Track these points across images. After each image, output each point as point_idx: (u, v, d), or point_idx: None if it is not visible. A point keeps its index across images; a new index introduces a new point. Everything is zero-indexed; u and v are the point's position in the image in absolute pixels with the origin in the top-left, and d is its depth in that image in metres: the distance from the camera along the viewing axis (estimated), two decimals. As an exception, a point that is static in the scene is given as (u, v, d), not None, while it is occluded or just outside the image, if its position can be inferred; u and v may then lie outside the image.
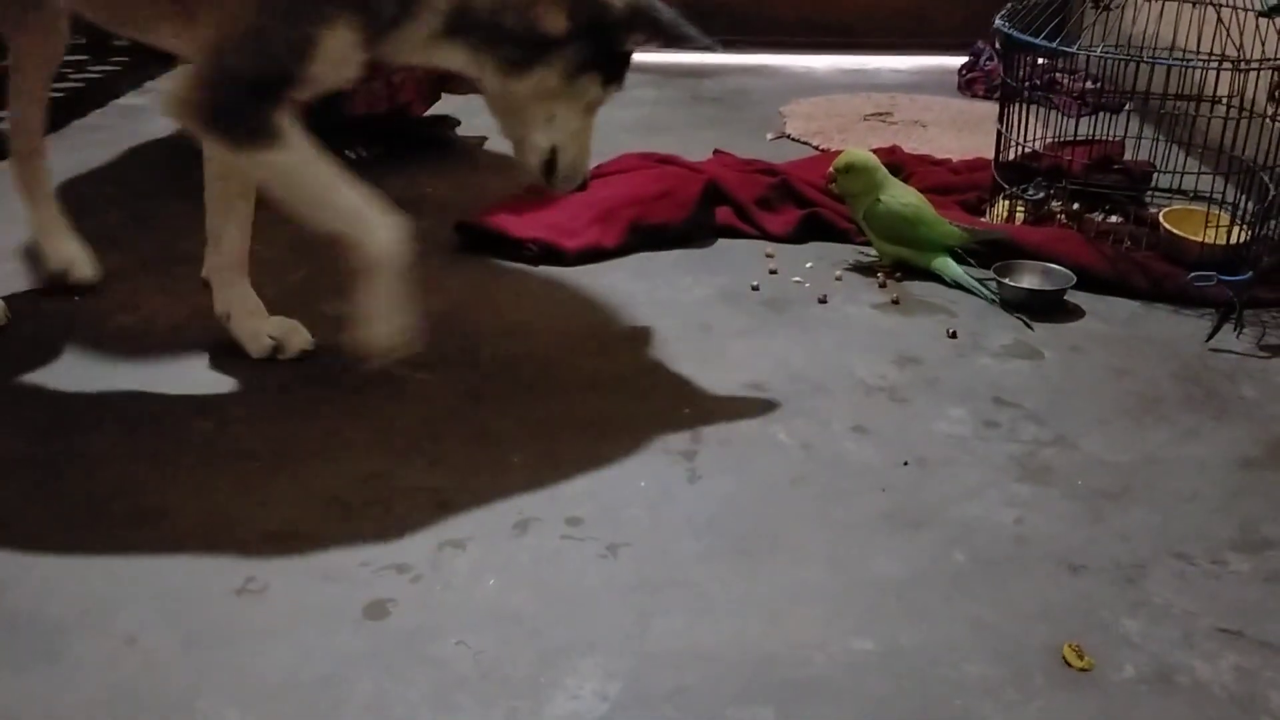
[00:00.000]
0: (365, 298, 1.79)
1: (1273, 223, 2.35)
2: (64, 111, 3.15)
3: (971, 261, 2.26)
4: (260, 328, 1.96)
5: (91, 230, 2.31)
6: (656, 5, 1.87)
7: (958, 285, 2.23)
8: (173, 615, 1.36)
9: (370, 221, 1.78)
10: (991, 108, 3.20)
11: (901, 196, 2.29)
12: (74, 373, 1.86)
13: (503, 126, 1.94)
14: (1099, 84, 3.12)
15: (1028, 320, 2.11)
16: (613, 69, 1.89)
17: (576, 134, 1.93)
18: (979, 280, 2.22)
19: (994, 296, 2.18)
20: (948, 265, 2.25)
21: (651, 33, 1.86)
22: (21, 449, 1.67)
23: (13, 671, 1.27)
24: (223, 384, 1.86)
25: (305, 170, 1.77)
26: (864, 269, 2.32)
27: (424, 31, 1.76)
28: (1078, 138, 2.69)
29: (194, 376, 1.88)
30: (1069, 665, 1.32)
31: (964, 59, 3.74)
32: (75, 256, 2.17)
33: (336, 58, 1.72)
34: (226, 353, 1.94)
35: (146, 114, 3.19)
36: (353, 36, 1.70)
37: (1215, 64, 2.34)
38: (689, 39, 1.92)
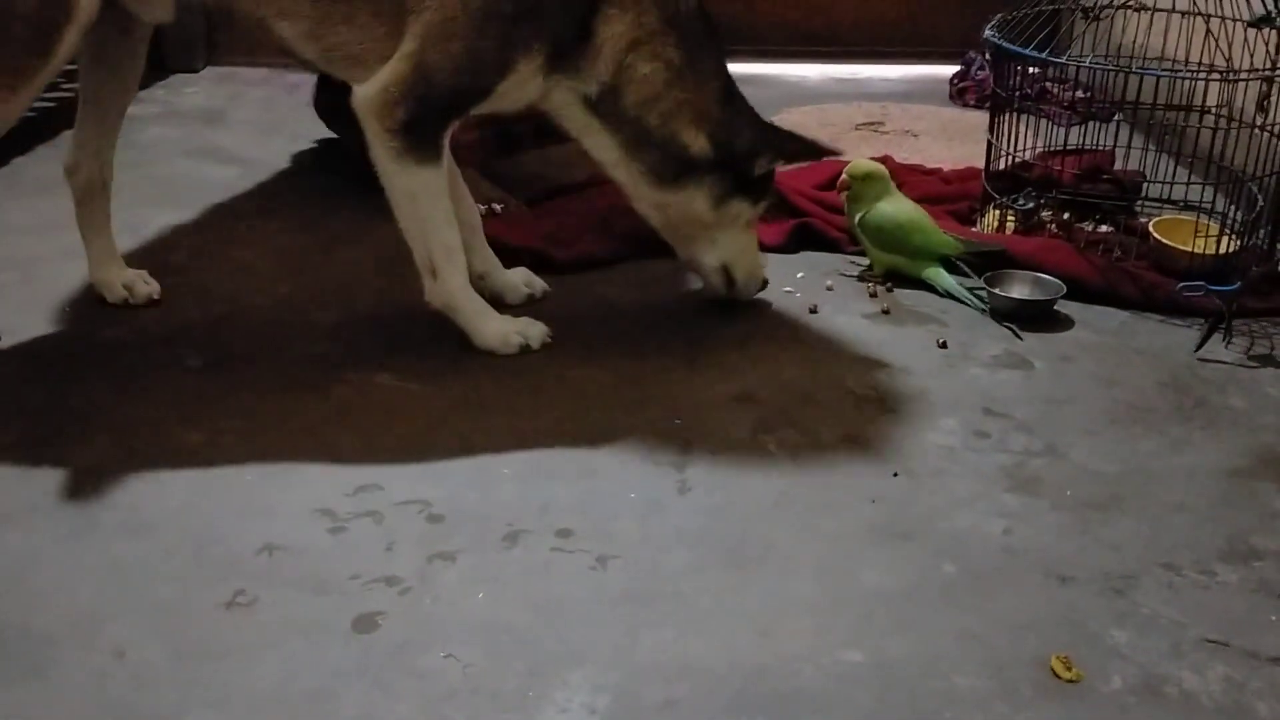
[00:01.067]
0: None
1: (1261, 232, 2.36)
2: (57, 121, 3.15)
3: (970, 274, 2.25)
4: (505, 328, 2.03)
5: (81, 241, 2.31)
6: (778, 130, 2.11)
7: (949, 295, 2.23)
8: (162, 628, 1.36)
9: (457, 265, 1.97)
10: (983, 117, 3.20)
11: (900, 205, 2.30)
12: (65, 384, 1.86)
13: (676, 248, 2.12)
14: (1089, 94, 3.13)
15: (1017, 330, 2.11)
16: (757, 188, 2.05)
17: (744, 249, 2.09)
18: (970, 290, 2.22)
19: (984, 306, 2.18)
20: (940, 275, 2.25)
21: (777, 154, 2.06)
22: (11, 460, 1.67)
23: (1, 686, 1.27)
24: (213, 396, 1.85)
25: (438, 196, 1.93)
26: (855, 278, 2.32)
27: (578, 91, 1.93)
28: (1068, 147, 2.70)
29: (185, 388, 1.87)
30: (1057, 677, 1.33)
31: (956, 68, 3.74)
32: (132, 282, 2.14)
33: (523, 82, 1.89)
34: (216, 365, 1.94)
35: (139, 122, 3.19)
36: (538, 64, 1.88)
37: (1204, 74, 2.34)
38: (813, 151, 2.16)
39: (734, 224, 2.05)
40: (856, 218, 2.31)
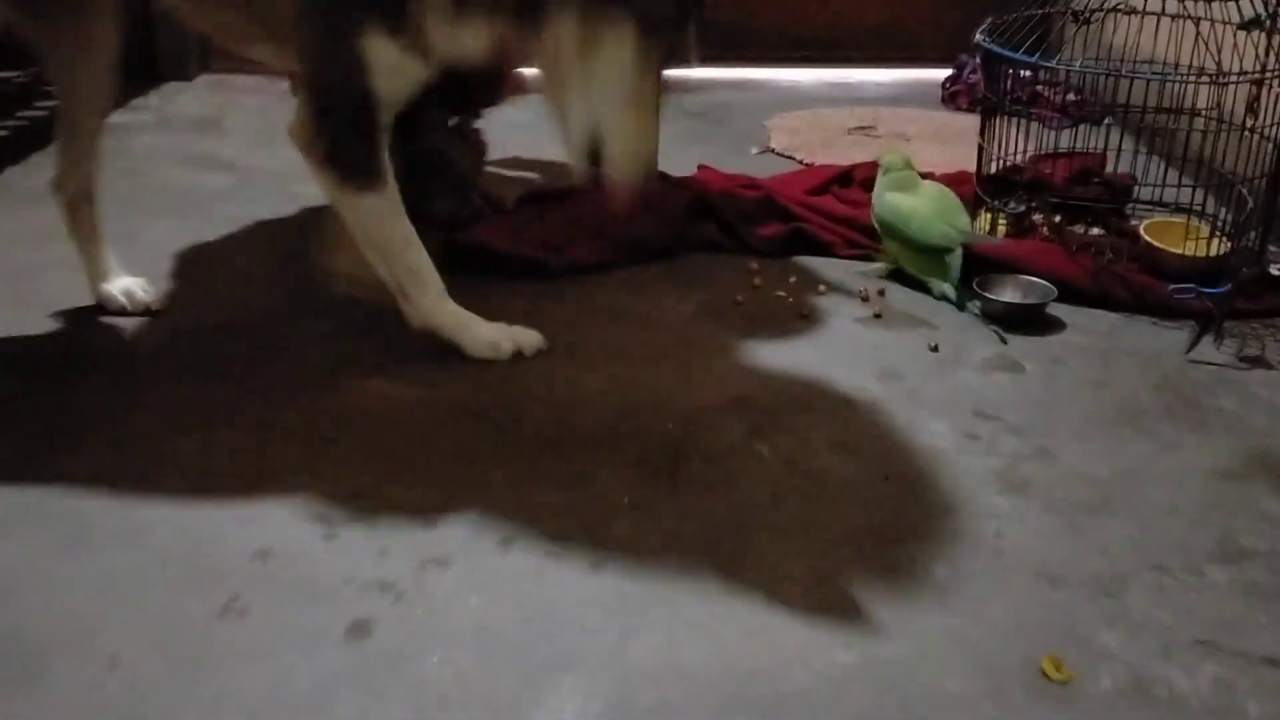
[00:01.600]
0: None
1: (1251, 234, 2.37)
2: (49, 130, 3.15)
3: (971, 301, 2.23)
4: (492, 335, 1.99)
5: (73, 250, 2.31)
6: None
7: (944, 298, 2.24)
8: (156, 636, 1.37)
9: (427, 283, 1.94)
10: (974, 120, 3.21)
11: (905, 195, 2.30)
12: (58, 393, 1.87)
13: (546, 101, 1.80)
14: (1080, 97, 3.14)
15: (1002, 334, 2.11)
16: (655, 22, 1.68)
17: (627, 108, 1.72)
18: (966, 299, 2.21)
19: (976, 313, 2.18)
20: (936, 277, 2.25)
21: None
22: (4, 469, 1.67)
23: (-5, 694, 1.28)
24: (206, 404, 1.86)
25: (393, 218, 1.88)
26: (846, 284, 2.33)
27: (441, 10, 1.72)
28: (1059, 150, 2.71)
29: (177, 396, 1.88)
30: (1047, 678, 1.33)
31: (947, 72, 3.76)
32: (130, 290, 2.13)
33: (391, 66, 1.74)
34: (210, 373, 1.95)
35: (132, 131, 3.20)
36: (391, 39, 1.72)
37: (1195, 77, 2.35)
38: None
39: (615, 61, 1.71)
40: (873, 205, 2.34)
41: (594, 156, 1.78)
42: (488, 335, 1.99)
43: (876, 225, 2.33)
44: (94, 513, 1.58)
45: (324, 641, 1.36)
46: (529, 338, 2.02)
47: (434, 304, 1.97)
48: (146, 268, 2.32)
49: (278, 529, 1.56)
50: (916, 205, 2.28)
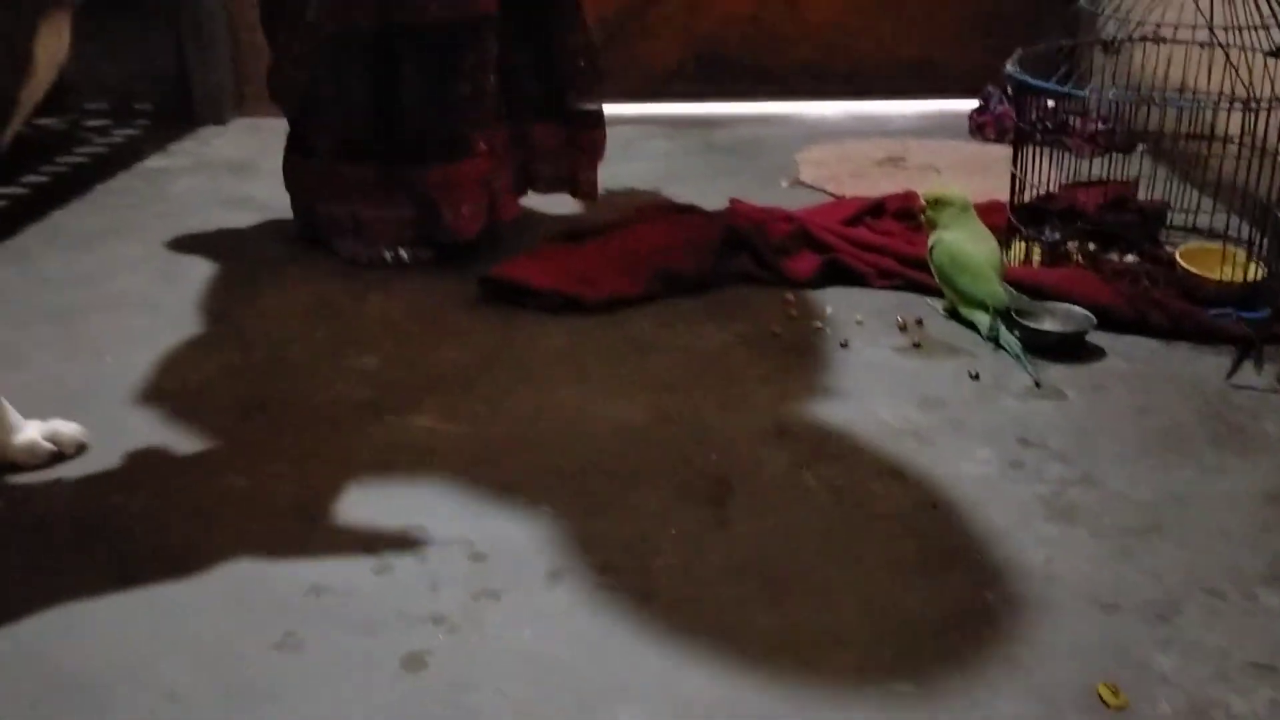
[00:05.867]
0: None
1: (1288, 259, 2.37)
2: (89, 175, 3.21)
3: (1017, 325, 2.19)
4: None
5: (121, 292, 2.35)
6: None
7: (993, 339, 2.19)
8: (213, 670, 1.38)
9: None
10: (1002, 151, 3.23)
11: (961, 239, 2.28)
12: (107, 432, 1.88)
13: None
14: (1110, 125, 3.15)
15: (1037, 378, 2.06)
16: None
17: None
18: (1020, 353, 2.13)
19: (1038, 380, 2.07)
20: (989, 325, 2.20)
21: None
22: (59, 509, 1.70)
23: (58, 729, 1.29)
24: (252, 441, 1.88)
25: None
26: (883, 314, 2.34)
27: None
28: (1091, 178, 2.72)
29: (226, 434, 1.90)
30: (1104, 703, 1.33)
31: (974, 103, 3.77)
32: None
33: (54, 57, 1.55)
34: (256, 408, 1.97)
35: (170, 175, 3.25)
36: (63, 20, 1.54)
37: (1226, 104, 2.36)
38: None
39: None
40: (929, 245, 2.33)
41: None
42: (25, 436, 1.79)
43: (932, 265, 2.33)
44: (149, 551, 1.60)
45: (379, 674, 1.37)
46: (69, 432, 1.82)
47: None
48: (189, 306, 2.36)
49: (329, 564, 1.57)
50: (972, 256, 2.26)
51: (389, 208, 2.55)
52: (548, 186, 2.78)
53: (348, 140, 2.55)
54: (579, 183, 2.78)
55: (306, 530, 1.65)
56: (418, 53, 2.48)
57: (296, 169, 2.66)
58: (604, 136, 2.79)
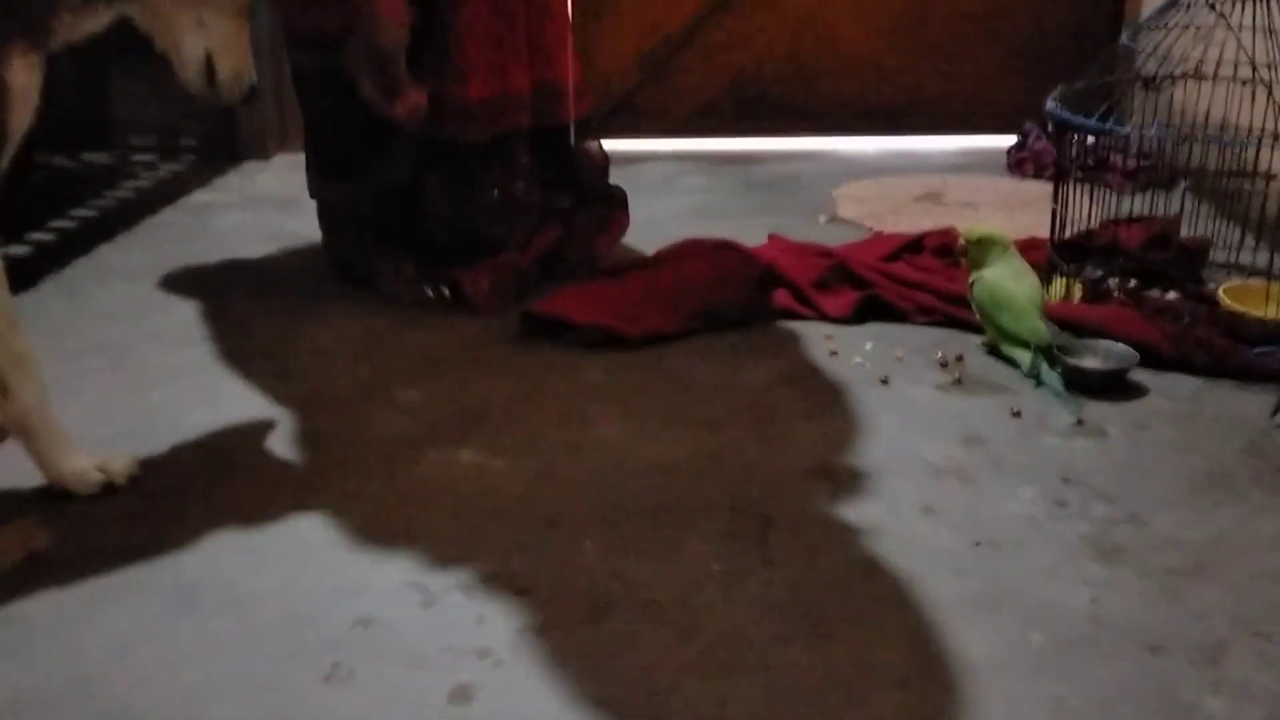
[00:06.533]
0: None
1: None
2: (136, 210, 3.26)
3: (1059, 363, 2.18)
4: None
5: (168, 326, 2.39)
6: None
7: (1033, 376, 2.18)
8: (263, 703, 1.39)
9: (30, 374, 1.77)
10: (1041, 187, 3.24)
11: (1003, 277, 2.27)
12: (156, 465, 1.91)
13: (159, 42, 1.91)
14: (1151, 162, 3.15)
15: (1077, 414, 2.06)
16: None
17: (234, 38, 1.91)
18: (1062, 390, 2.12)
19: (1076, 415, 2.06)
20: (1030, 362, 2.18)
21: None
22: (112, 538, 1.72)
23: (111, 760, 1.31)
24: (301, 475, 1.90)
25: None
26: (924, 351, 2.34)
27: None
28: (1132, 215, 2.72)
29: (272, 468, 1.92)
30: (1154, 747, 1.32)
31: (1012, 140, 3.78)
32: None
33: (28, 89, 1.67)
34: (299, 445, 1.99)
35: (215, 210, 3.30)
36: (35, 58, 1.66)
37: (1269, 141, 2.36)
38: None
39: (225, 4, 1.89)
40: (970, 284, 2.33)
41: (209, 78, 1.94)
42: (77, 463, 1.82)
43: (972, 303, 2.34)
44: (199, 583, 1.62)
45: (427, 707, 1.38)
46: (120, 464, 1.85)
47: (36, 403, 1.79)
48: (235, 342, 2.39)
49: (376, 597, 1.59)
50: (1013, 293, 2.25)
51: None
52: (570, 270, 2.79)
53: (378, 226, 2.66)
54: (595, 258, 2.81)
55: (353, 564, 1.66)
56: (446, 165, 2.58)
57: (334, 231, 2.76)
58: (628, 219, 2.89)
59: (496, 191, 2.60)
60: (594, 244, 2.80)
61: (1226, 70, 2.49)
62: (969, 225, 2.39)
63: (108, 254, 2.95)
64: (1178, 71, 2.52)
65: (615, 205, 2.90)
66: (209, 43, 1.90)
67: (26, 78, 1.68)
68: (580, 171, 2.82)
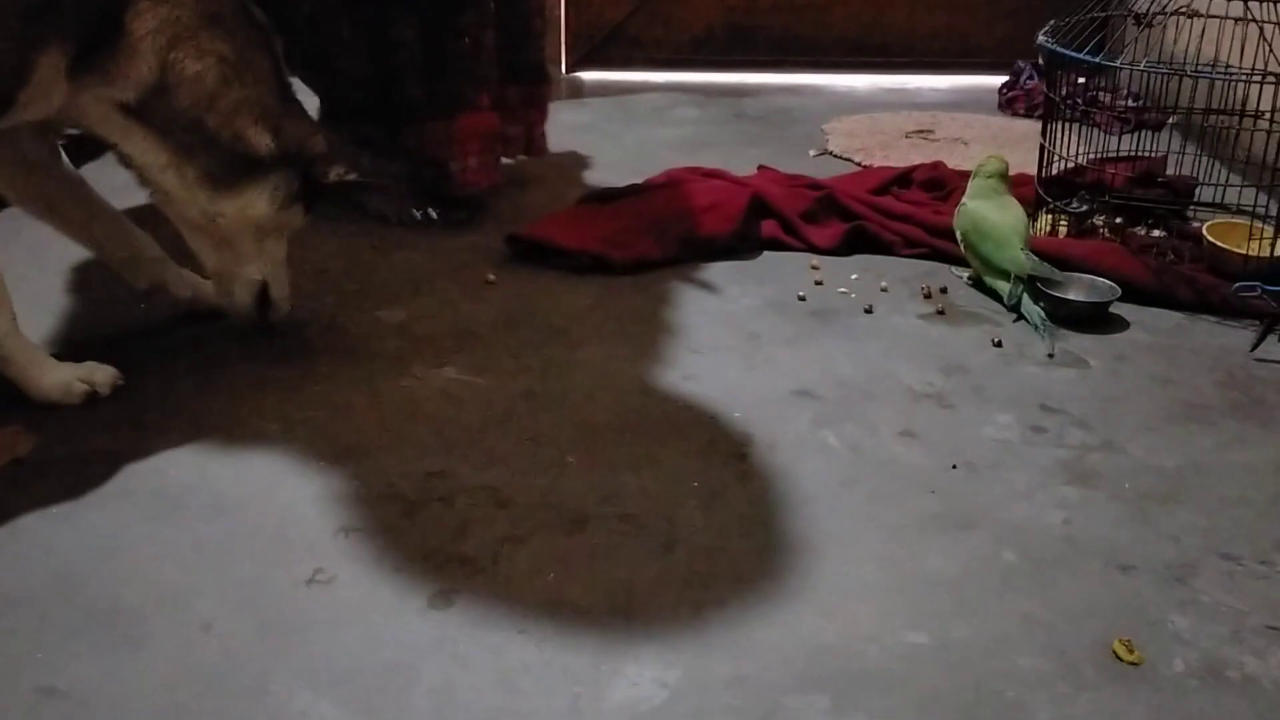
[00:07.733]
0: None
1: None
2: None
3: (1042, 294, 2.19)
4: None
5: (158, 242, 2.37)
6: (347, 144, 1.98)
7: (1015, 309, 2.20)
8: (246, 604, 1.41)
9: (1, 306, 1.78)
10: (1031, 125, 3.24)
11: (987, 207, 2.29)
12: (146, 376, 1.92)
13: (207, 259, 1.96)
14: (1140, 101, 3.14)
15: (1052, 347, 2.07)
16: (311, 199, 1.94)
17: (281, 263, 1.99)
18: (1041, 322, 2.13)
19: (1052, 351, 2.07)
20: (1010, 292, 2.20)
21: (352, 168, 1.94)
22: (96, 445, 1.73)
23: (96, 655, 1.32)
24: (288, 389, 1.91)
25: None
26: (908, 281, 2.35)
27: (113, 99, 1.73)
28: (1120, 154, 2.72)
29: (260, 381, 1.93)
30: (1119, 659, 1.35)
31: (1004, 78, 3.77)
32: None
33: (46, 88, 1.67)
34: (291, 359, 2.00)
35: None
36: (62, 67, 1.67)
37: (1258, 79, 2.36)
38: (377, 171, 2.03)
39: (284, 231, 1.95)
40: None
41: (261, 302, 2.00)
42: (59, 378, 1.83)
43: (957, 232, 2.34)
44: (183, 489, 1.63)
45: (408, 610, 1.40)
46: (102, 375, 1.87)
47: (6, 333, 1.79)
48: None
49: (359, 506, 1.60)
50: (995, 223, 2.26)
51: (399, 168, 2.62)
52: (511, 148, 2.83)
53: (345, 100, 2.62)
54: (533, 139, 2.86)
55: (337, 475, 1.68)
56: (415, 13, 2.55)
57: None
58: (551, 92, 2.91)
59: (468, 40, 2.60)
60: (531, 122, 2.83)
61: (1219, 8, 2.49)
62: (987, 157, 2.39)
63: (91, 171, 2.92)
64: (1171, 8, 2.51)
65: (544, 79, 2.91)
66: (267, 269, 1.96)
67: (54, 70, 1.68)
68: (526, 36, 2.82)
